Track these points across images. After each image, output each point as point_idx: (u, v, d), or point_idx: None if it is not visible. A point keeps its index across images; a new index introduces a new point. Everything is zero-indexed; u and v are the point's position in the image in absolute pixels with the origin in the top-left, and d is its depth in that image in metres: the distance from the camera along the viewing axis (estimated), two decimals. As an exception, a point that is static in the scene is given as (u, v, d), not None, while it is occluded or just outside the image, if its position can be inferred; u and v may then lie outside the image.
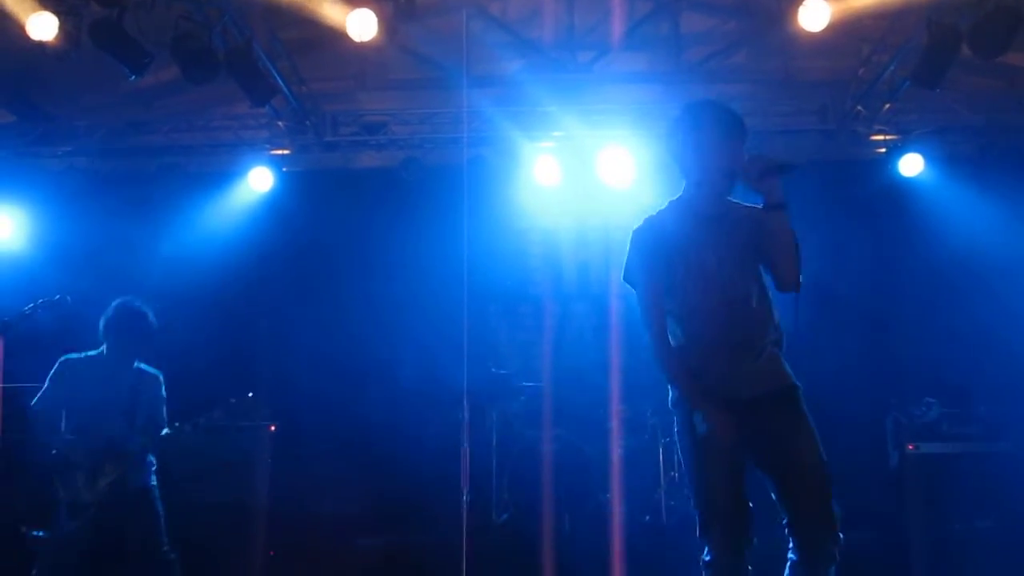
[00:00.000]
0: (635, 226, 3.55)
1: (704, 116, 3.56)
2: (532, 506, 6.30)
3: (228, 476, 6.10)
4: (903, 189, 7.21)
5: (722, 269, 3.44)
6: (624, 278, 3.58)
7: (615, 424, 6.52)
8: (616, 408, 6.49)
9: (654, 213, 3.58)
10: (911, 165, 7.14)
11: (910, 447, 6.84)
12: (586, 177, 7.16)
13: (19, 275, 6.75)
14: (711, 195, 3.49)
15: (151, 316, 5.08)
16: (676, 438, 3.55)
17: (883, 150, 7.31)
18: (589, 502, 6.49)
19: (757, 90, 6.90)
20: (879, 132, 7.24)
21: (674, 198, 3.56)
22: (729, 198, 3.52)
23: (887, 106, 6.94)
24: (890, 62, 6.50)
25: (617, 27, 6.61)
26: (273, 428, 6.52)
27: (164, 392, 5.14)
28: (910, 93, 6.59)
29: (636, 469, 6.68)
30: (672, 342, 3.49)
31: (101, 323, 5.05)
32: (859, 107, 7.04)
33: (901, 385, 6.98)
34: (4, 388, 5.47)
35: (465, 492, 6.21)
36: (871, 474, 6.81)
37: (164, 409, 5.10)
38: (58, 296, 4.94)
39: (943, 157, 7.17)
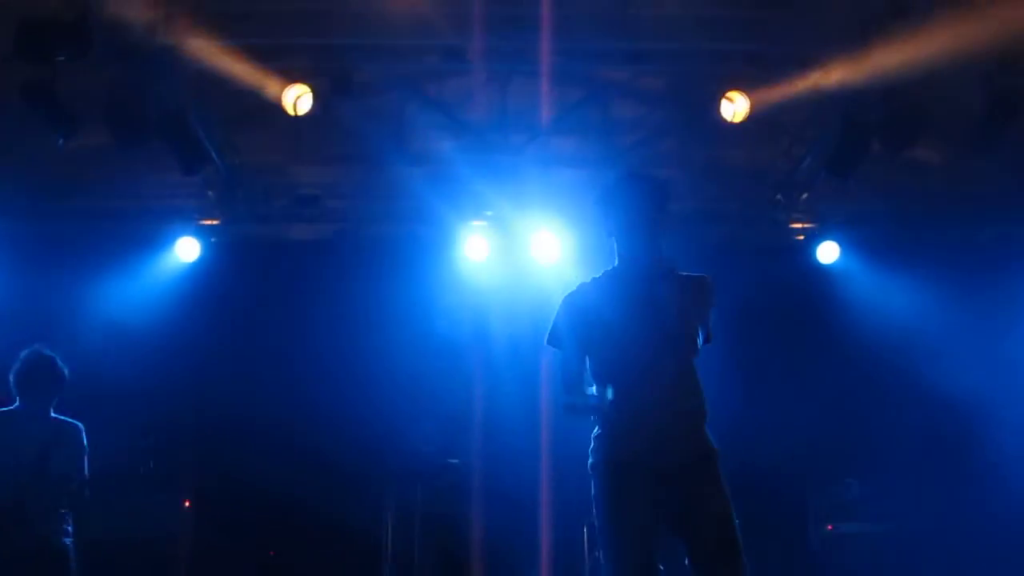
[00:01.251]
0: (566, 292, 3.65)
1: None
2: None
3: (146, 554, 5.85)
4: (821, 275, 7.49)
5: (649, 337, 3.51)
6: (548, 340, 3.66)
7: (543, 502, 6.48)
8: (544, 486, 6.47)
9: (587, 281, 3.67)
10: (828, 252, 7.43)
11: (829, 527, 6.96)
12: (516, 256, 7.26)
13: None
14: (640, 264, 3.58)
15: (59, 362, 4.95)
16: (593, 502, 3.55)
17: (801, 237, 7.61)
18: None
19: (684, 176, 7.12)
20: (797, 220, 7.54)
21: (608, 268, 3.66)
22: (658, 265, 3.60)
23: (804, 195, 7.25)
24: (807, 154, 6.83)
25: (549, 112, 6.79)
26: (188, 504, 6.31)
27: (85, 442, 4.93)
28: (826, 183, 6.90)
29: (562, 548, 6.63)
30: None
31: (11, 376, 4.89)
32: (778, 196, 7.34)
33: (821, 465, 7.13)
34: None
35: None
36: (791, 554, 6.88)
37: (84, 461, 4.88)
38: None
39: (857, 245, 7.49)
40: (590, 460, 3.58)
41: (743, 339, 7.27)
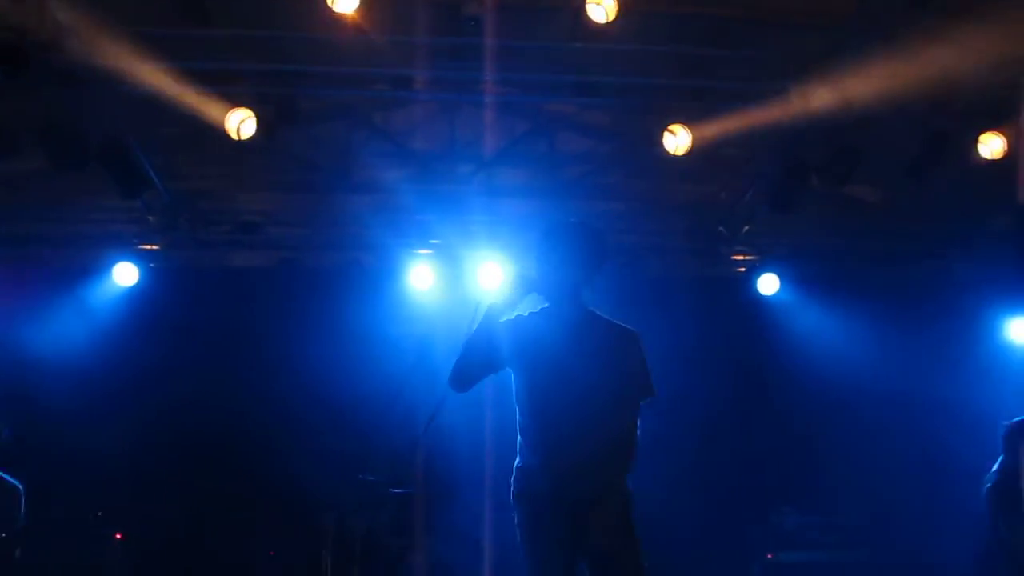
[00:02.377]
0: (503, 315, 3.71)
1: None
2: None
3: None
4: (761, 306, 7.61)
5: (580, 376, 3.62)
6: (472, 337, 3.72)
7: (487, 533, 6.43)
8: (488, 517, 6.42)
9: (525, 315, 3.76)
10: (768, 284, 7.56)
11: (768, 556, 7.03)
12: (462, 285, 7.24)
13: None
14: (567, 310, 3.70)
15: (5, 431, 4.81)
16: (516, 531, 3.69)
17: (743, 269, 7.73)
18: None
19: (630, 208, 7.21)
20: (739, 252, 7.66)
21: (539, 308, 3.74)
22: (584, 312, 3.73)
23: (746, 228, 7.38)
24: (748, 187, 6.96)
25: (495, 143, 6.82)
26: (119, 536, 6.15)
27: (22, 504, 4.81)
28: (767, 217, 7.03)
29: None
30: (520, 437, 3.71)
31: None
32: (721, 228, 7.45)
33: (760, 495, 7.21)
34: None
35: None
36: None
37: (19, 521, 4.76)
38: None
39: (797, 277, 7.63)
40: (512, 490, 3.71)
41: (684, 369, 7.36)
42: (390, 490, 6.85)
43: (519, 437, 3.70)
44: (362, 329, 7.04)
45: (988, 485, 5.37)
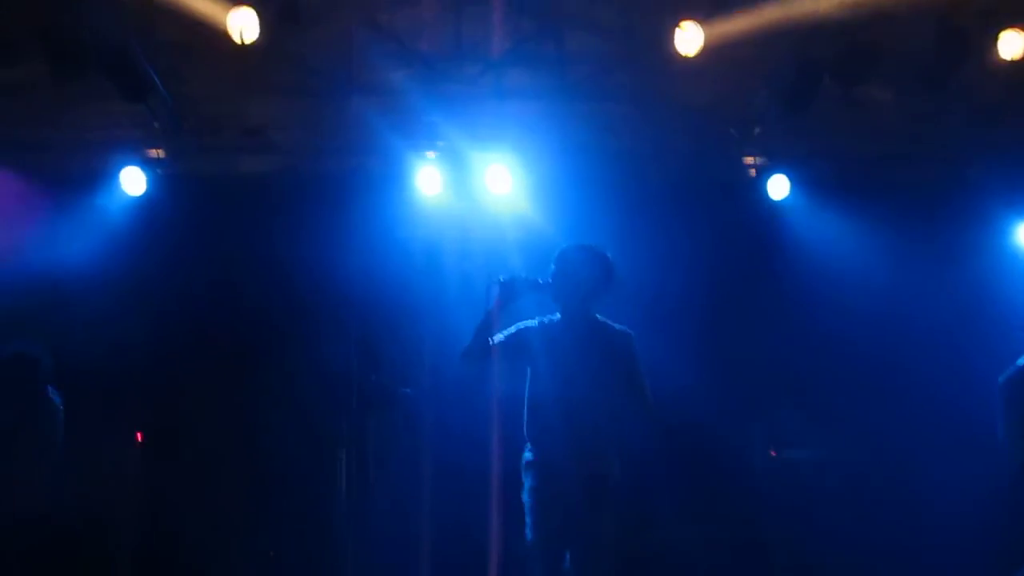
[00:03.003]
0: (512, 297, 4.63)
1: (581, 258, 4.65)
2: (409, 515, 6.30)
3: (93, 486, 5.88)
4: (771, 210, 7.56)
5: (575, 370, 4.44)
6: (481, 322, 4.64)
7: (493, 434, 6.57)
8: (494, 419, 6.55)
9: (542, 319, 4.70)
10: (778, 188, 7.48)
11: (772, 453, 7.20)
12: (469, 189, 7.20)
13: None
14: (577, 322, 4.60)
15: (40, 363, 4.89)
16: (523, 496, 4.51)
17: (753, 172, 7.63)
18: (467, 513, 6.53)
19: (638, 110, 7.09)
20: (750, 155, 7.56)
21: (552, 317, 4.67)
22: (590, 324, 4.60)
23: (757, 130, 7.26)
24: (760, 88, 6.82)
25: (502, 43, 6.69)
26: (140, 437, 6.33)
27: (61, 424, 4.94)
28: (780, 119, 6.91)
29: (513, 483, 6.76)
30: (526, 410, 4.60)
31: None
32: (731, 130, 7.34)
33: (766, 394, 7.32)
34: None
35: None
36: (735, 479, 7.11)
37: (57, 441, 4.90)
38: None
39: (808, 180, 7.54)
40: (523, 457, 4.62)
41: (691, 273, 7.39)
42: (400, 389, 7.00)
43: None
44: (369, 233, 7.04)
45: (1002, 379, 5.43)
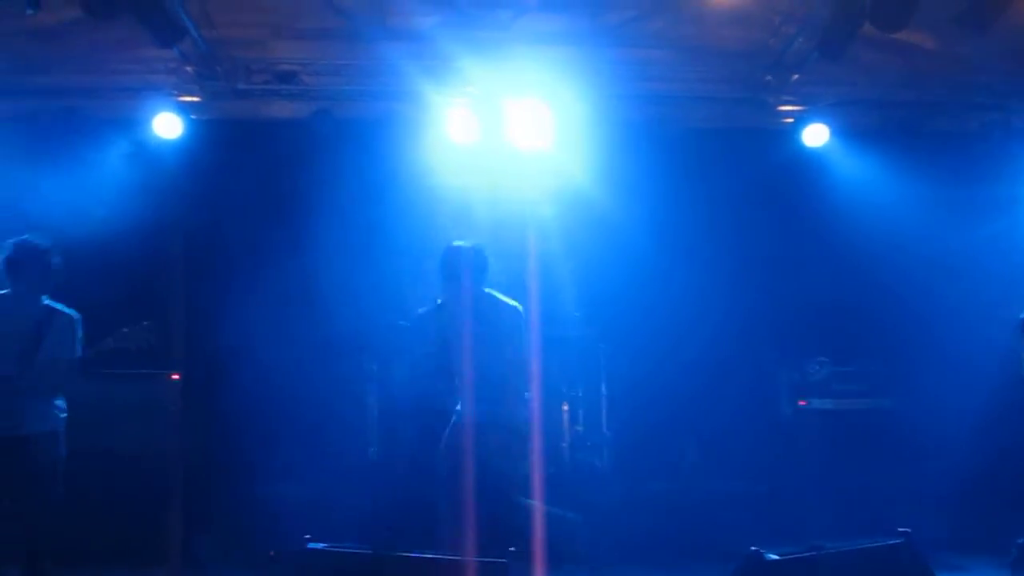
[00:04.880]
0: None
1: (458, 257, 5.37)
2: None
3: (132, 425, 6.03)
4: (808, 158, 7.45)
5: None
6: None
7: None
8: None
9: (434, 308, 5.44)
10: (816, 136, 7.37)
11: (801, 403, 7.19)
12: (499, 136, 7.17)
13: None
14: (464, 306, 5.33)
15: (52, 252, 4.94)
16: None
17: (790, 120, 7.52)
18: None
19: (673, 56, 6.99)
20: (787, 103, 7.43)
21: (441, 302, 5.40)
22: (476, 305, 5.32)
23: (795, 77, 7.13)
24: (797, 33, 6.67)
25: (536, -12, 6.59)
26: (176, 377, 6.46)
27: (80, 332, 4.97)
28: (817, 65, 6.77)
29: (543, 422, 6.82)
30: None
31: (1, 263, 4.90)
32: (768, 76, 7.21)
33: (795, 344, 7.29)
34: None
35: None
36: (763, 428, 7.13)
37: (76, 350, 4.94)
38: None
39: (846, 129, 7.42)
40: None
41: (728, 220, 7.34)
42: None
43: None
44: (400, 179, 7.06)
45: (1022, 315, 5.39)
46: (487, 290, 5.53)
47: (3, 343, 4.77)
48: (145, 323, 4.91)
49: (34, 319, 4.86)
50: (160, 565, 5.91)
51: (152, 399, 6.28)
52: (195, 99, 7.15)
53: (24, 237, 4.93)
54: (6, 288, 4.93)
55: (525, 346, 5.46)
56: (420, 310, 5.59)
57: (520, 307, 5.50)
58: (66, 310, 4.98)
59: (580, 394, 7.17)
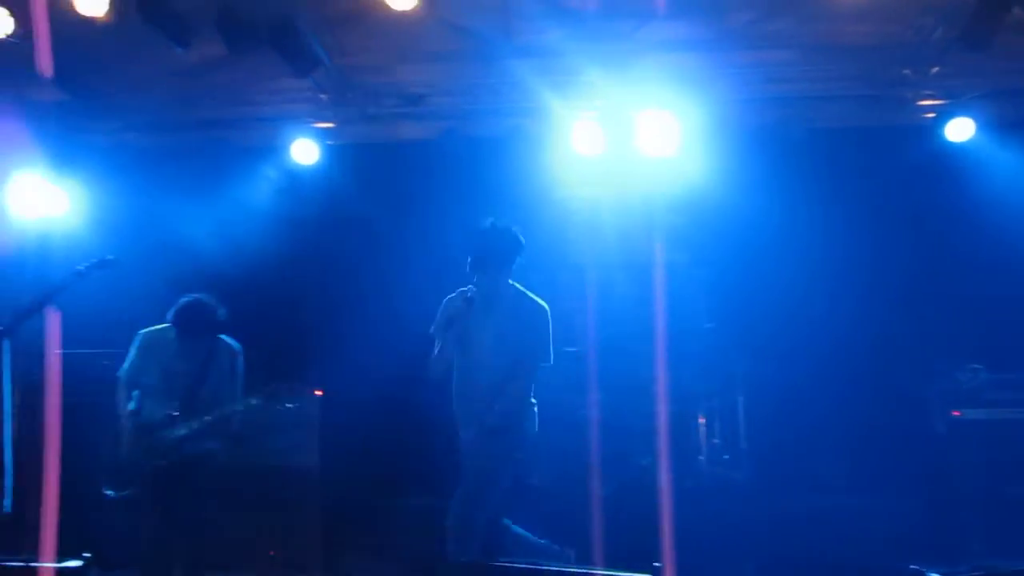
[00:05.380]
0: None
1: (493, 239, 5.13)
2: (573, 470, 6.37)
3: (277, 440, 6.26)
4: (951, 155, 7.10)
5: (488, 354, 5.08)
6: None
7: (659, 390, 6.55)
8: (657, 374, 6.52)
9: (457, 296, 5.18)
10: (960, 130, 7.01)
11: (955, 413, 6.81)
12: (627, 146, 7.13)
13: (71, 249, 6.92)
14: (490, 297, 5.13)
15: (218, 310, 5.27)
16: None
17: (931, 115, 7.19)
18: (631, 467, 6.55)
19: (801, 56, 6.81)
20: (927, 97, 7.12)
21: (469, 290, 5.13)
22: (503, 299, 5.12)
23: (935, 69, 6.82)
24: (937, 24, 6.38)
25: (657, -5, 6.55)
26: (320, 393, 6.67)
27: (241, 366, 5.31)
28: (959, 56, 6.46)
29: (678, 435, 6.72)
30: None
31: (170, 316, 5.24)
32: (906, 71, 6.93)
33: (946, 352, 6.93)
34: (64, 354, 5.70)
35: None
36: (913, 440, 6.78)
37: (237, 382, 5.28)
38: (110, 256, 5.06)
39: (994, 122, 7.04)
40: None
41: (865, 222, 7.06)
42: (564, 348, 7.04)
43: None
44: (528, 194, 7.11)
45: None
46: (511, 282, 5.18)
47: (172, 377, 5.14)
48: (293, 384, 5.19)
49: (202, 354, 5.20)
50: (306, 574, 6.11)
51: (296, 415, 6.50)
52: (329, 125, 7.44)
53: (194, 297, 5.29)
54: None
55: (543, 349, 5.10)
56: (452, 296, 5.21)
57: (547, 307, 5.13)
58: (231, 343, 5.32)
59: (716, 406, 7.03)
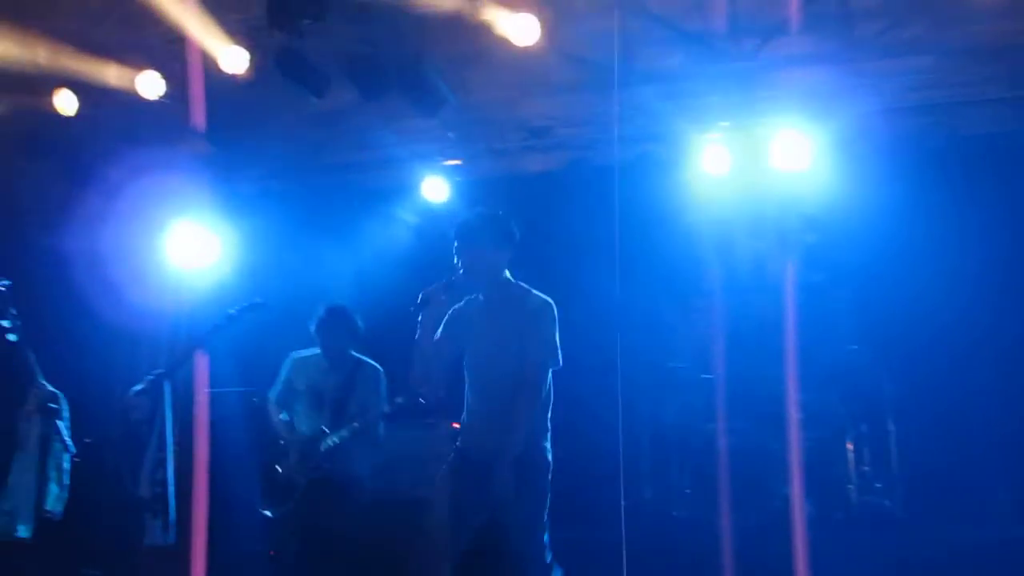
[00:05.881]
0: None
1: (477, 228, 4.43)
2: (713, 501, 6.22)
3: (413, 472, 6.37)
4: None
5: (490, 360, 4.38)
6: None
7: (797, 417, 6.33)
8: (797, 400, 6.31)
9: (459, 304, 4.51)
10: (1117, 129, 6.55)
11: None
12: (756, 165, 7.00)
13: (222, 294, 7.30)
14: (487, 293, 4.45)
15: (356, 314, 5.50)
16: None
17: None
18: (773, 497, 6.34)
19: (937, 61, 6.52)
20: (1082, 96, 6.68)
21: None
22: (500, 293, 4.40)
23: (1087, 66, 6.41)
24: (1090, 17, 6.01)
25: (782, 11, 6.43)
26: (456, 425, 6.75)
27: (383, 386, 5.49)
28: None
29: (823, 463, 6.46)
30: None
31: (312, 325, 5.49)
32: (1056, 70, 6.53)
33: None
34: (213, 393, 6.01)
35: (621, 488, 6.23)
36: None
37: (380, 402, 5.46)
38: (259, 300, 5.31)
39: None
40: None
41: (1017, 234, 6.66)
42: (700, 375, 6.94)
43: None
44: (658, 219, 7.06)
45: None
46: (507, 276, 4.41)
47: (317, 398, 5.37)
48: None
49: (344, 374, 5.42)
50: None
51: (433, 446, 6.61)
52: (457, 162, 7.62)
53: (334, 302, 5.49)
54: (316, 347, 5.49)
55: (549, 350, 4.30)
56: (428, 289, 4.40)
57: (552, 302, 4.35)
58: (371, 363, 5.53)
59: (864, 431, 6.74)
